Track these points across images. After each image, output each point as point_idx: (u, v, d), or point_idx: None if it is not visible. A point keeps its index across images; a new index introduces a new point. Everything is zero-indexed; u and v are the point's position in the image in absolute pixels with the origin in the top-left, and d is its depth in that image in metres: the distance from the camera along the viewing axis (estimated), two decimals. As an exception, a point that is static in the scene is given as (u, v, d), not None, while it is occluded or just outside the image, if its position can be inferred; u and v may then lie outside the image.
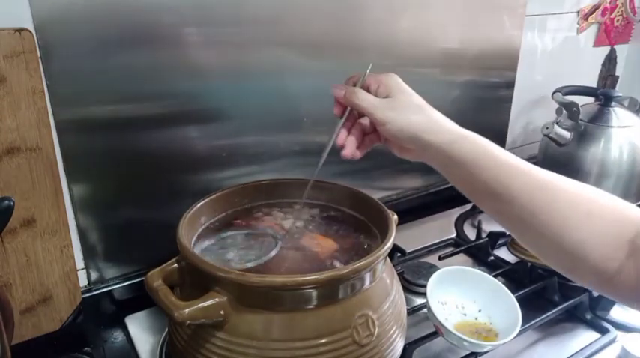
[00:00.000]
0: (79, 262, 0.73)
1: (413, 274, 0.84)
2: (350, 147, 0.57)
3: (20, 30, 0.58)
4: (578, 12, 1.22)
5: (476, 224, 1.00)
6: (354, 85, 0.58)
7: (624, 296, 0.49)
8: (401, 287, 0.64)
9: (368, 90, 0.57)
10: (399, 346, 0.60)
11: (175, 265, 0.58)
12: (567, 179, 0.50)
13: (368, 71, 0.58)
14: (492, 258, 0.92)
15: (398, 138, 0.55)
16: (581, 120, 1.06)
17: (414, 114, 0.54)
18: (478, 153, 0.51)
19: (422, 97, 0.57)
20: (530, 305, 0.73)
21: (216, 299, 0.52)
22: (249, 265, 0.59)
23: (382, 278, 0.59)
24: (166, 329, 0.70)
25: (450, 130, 0.53)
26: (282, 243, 0.63)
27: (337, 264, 0.60)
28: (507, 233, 0.95)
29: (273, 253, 0.61)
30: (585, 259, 0.47)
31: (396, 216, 0.65)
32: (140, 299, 0.71)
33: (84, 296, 0.72)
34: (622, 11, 1.29)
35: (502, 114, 1.19)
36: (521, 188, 0.49)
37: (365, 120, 0.59)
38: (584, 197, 0.49)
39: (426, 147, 0.53)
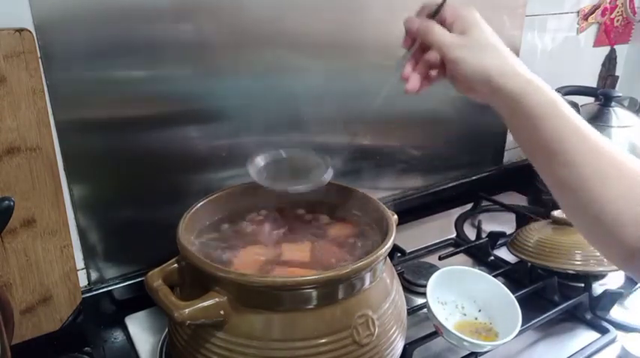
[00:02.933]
0: (79, 262, 0.73)
1: (413, 274, 0.83)
2: (413, 82, 0.56)
3: (20, 30, 0.58)
4: (578, 12, 1.22)
5: (476, 224, 1.00)
6: (429, 16, 0.55)
7: None
8: (401, 287, 0.64)
9: (443, 22, 0.54)
10: (399, 346, 0.60)
11: (175, 265, 0.58)
12: (622, 150, 0.50)
13: (445, 2, 0.55)
14: (492, 258, 0.92)
15: (469, 79, 0.53)
16: (581, 120, 1.06)
17: (490, 54, 0.52)
18: (546, 107, 0.50)
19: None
20: (530, 305, 0.73)
21: (216, 299, 0.52)
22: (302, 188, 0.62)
23: (382, 278, 0.59)
24: (166, 329, 0.70)
25: (523, 77, 0.51)
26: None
27: (337, 263, 0.60)
28: (508, 234, 0.96)
29: (326, 177, 0.63)
30: (620, 233, 0.47)
31: (396, 216, 0.65)
32: (140, 299, 0.70)
33: (84, 296, 0.72)
34: (622, 11, 1.29)
35: (502, 114, 1.19)
36: (577, 150, 0.49)
37: (432, 55, 0.56)
38: (634, 171, 0.49)
39: (497, 91, 0.51)
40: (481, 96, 0.54)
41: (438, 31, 0.53)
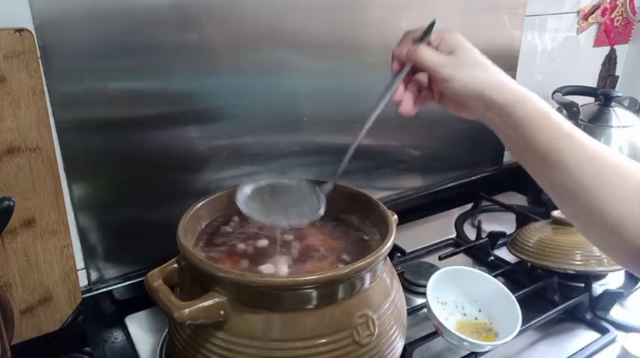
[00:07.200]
0: (79, 262, 0.73)
1: (413, 274, 0.83)
2: (407, 103, 0.57)
3: (20, 30, 0.58)
4: (578, 12, 1.22)
5: (476, 224, 1.00)
6: (415, 40, 0.56)
7: None
8: (401, 287, 0.64)
9: (428, 45, 0.55)
10: (399, 346, 0.60)
11: (175, 265, 0.58)
12: (618, 154, 0.50)
13: (434, 27, 0.56)
14: (492, 258, 0.92)
15: (461, 96, 0.54)
16: (581, 120, 1.06)
17: (479, 71, 0.53)
18: (538, 116, 0.51)
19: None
20: (530, 305, 0.73)
21: (216, 299, 0.52)
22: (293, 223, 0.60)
23: (382, 278, 0.59)
24: (166, 329, 0.70)
25: (513, 89, 0.52)
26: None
27: (338, 264, 0.60)
28: (508, 234, 0.96)
29: (321, 211, 0.60)
30: (624, 235, 0.48)
31: (396, 216, 0.65)
32: (140, 299, 0.71)
33: (84, 296, 0.72)
34: (622, 11, 1.29)
35: (502, 114, 1.19)
36: (573, 156, 0.49)
37: (421, 77, 0.58)
38: (633, 173, 0.49)
39: (489, 105, 0.53)
40: (473, 112, 0.56)
41: (427, 53, 0.54)
